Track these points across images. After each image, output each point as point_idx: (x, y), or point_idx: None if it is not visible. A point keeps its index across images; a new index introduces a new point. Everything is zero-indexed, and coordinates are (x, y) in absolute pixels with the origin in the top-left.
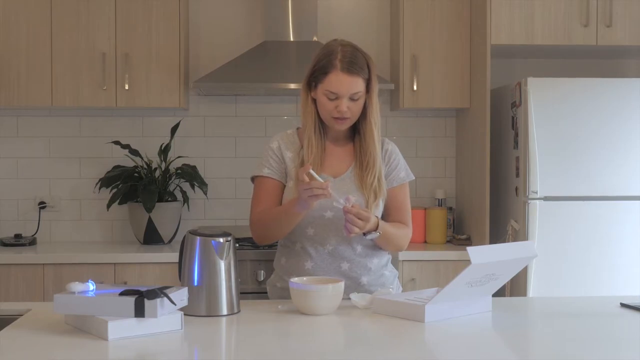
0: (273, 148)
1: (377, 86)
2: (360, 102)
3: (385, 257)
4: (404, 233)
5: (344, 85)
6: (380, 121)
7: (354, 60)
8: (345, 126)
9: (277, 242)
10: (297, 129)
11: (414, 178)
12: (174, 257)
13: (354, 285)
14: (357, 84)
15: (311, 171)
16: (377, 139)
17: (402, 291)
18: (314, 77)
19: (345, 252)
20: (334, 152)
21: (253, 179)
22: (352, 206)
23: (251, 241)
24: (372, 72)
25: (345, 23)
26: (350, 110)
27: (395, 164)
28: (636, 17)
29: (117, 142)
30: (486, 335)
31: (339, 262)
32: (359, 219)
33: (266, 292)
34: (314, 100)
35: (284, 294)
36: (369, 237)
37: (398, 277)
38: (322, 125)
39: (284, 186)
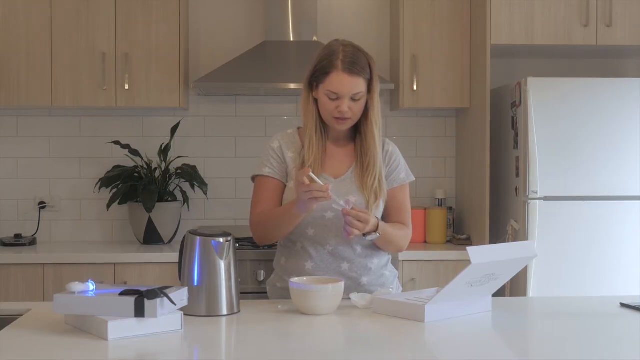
0: (274, 148)
1: (378, 87)
2: (362, 103)
3: (385, 258)
4: (403, 234)
5: (345, 85)
6: (382, 122)
7: (356, 61)
8: (346, 126)
9: (277, 242)
10: (298, 128)
11: (414, 179)
12: (174, 257)
13: (354, 285)
14: (358, 85)
15: (311, 174)
16: (378, 140)
17: (402, 291)
18: (316, 77)
19: (345, 253)
20: (335, 153)
21: (254, 178)
22: (351, 208)
23: (251, 241)
24: (374, 73)
25: (345, 23)
26: (351, 110)
27: (396, 164)
28: (636, 17)
29: (117, 142)
30: (486, 335)
31: (339, 262)
32: (358, 221)
33: (266, 292)
34: (316, 100)
35: (284, 294)
36: (368, 238)
37: (398, 277)
38: (323, 126)
39: (285, 186)
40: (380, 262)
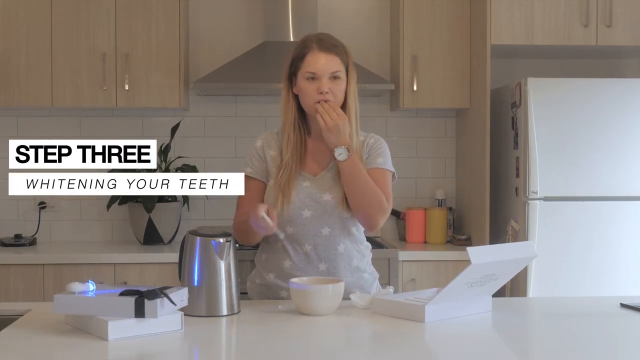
0: (256, 147)
1: (355, 74)
2: (342, 85)
3: (365, 260)
4: (378, 191)
5: (323, 62)
6: (360, 108)
7: (330, 41)
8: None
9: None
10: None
11: (392, 171)
12: (174, 257)
13: None
14: (335, 62)
15: (264, 214)
16: (355, 126)
17: (402, 291)
18: (293, 67)
19: (322, 253)
20: (317, 148)
21: None
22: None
23: None
24: (350, 59)
25: (345, 23)
26: (331, 92)
27: (374, 150)
28: (636, 17)
29: None
30: (486, 335)
31: (317, 263)
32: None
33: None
34: (295, 97)
35: (263, 290)
36: (336, 152)
37: (379, 279)
38: (302, 123)
39: (266, 185)
40: (360, 264)
